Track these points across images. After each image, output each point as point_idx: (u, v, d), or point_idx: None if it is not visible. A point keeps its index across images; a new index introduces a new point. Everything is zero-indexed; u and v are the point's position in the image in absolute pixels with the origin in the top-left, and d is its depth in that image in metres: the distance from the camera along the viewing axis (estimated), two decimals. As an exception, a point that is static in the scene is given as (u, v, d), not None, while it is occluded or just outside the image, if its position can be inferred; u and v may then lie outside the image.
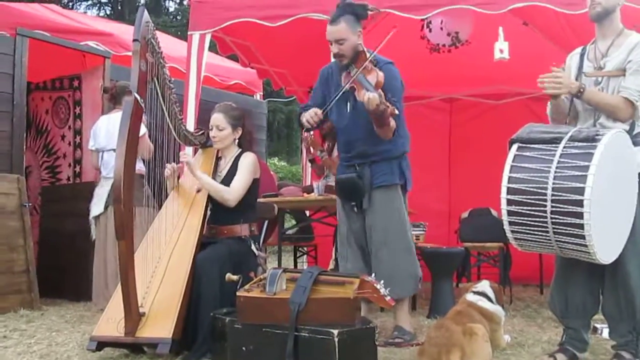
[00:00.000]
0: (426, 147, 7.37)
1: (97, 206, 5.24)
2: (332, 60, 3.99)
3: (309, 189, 5.54)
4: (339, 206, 4.12)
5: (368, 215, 3.90)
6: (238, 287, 3.35)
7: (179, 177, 4.09)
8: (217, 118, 3.98)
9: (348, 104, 3.84)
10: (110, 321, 3.41)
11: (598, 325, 3.91)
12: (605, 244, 2.93)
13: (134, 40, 3.26)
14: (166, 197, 4.06)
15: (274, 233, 5.62)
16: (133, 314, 3.29)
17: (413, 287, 3.96)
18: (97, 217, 5.24)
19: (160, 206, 4.05)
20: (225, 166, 4.04)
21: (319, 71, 4.09)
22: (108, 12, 23.03)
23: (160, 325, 3.34)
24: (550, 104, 3.42)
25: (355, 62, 3.75)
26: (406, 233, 3.96)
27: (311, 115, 3.77)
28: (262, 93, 9.10)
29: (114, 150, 4.71)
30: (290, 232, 6.54)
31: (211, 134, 4.00)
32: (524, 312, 5.27)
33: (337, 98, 3.78)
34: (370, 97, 3.47)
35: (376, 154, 3.88)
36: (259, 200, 4.28)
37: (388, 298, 2.96)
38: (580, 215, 2.81)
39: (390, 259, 3.83)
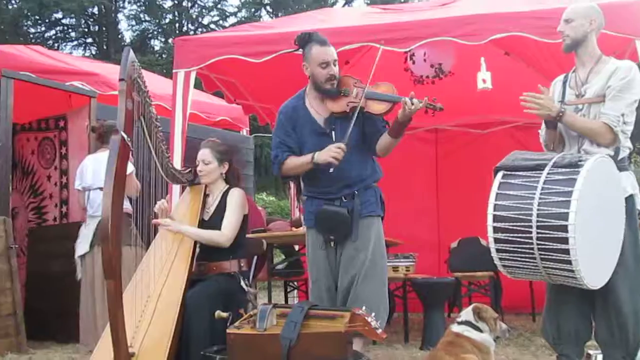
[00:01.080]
0: (413, 178, 7.44)
1: (82, 245, 5.21)
2: (288, 100, 3.88)
3: (298, 223, 5.53)
4: (315, 244, 3.79)
5: (349, 245, 3.69)
6: (228, 324, 3.32)
7: (166, 214, 4.08)
8: (204, 153, 4.04)
9: (334, 132, 3.70)
10: (100, 362, 3.37)
11: (591, 352, 3.89)
12: (593, 269, 2.94)
13: (120, 79, 3.27)
14: (154, 235, 4.04)
15: (264, 268, 5.60)
16: (122, 354, 3.24)
17: (385, 321, 3.74)
18: (82, 257, 5.21)
19: (148, 245, 4.03)
20: (213, 202, 4.05)
21: (279, 113, 3.85)
22: (93, 52, 23.22)
23: (151, 365, 3.30)
24: (543, 131, 3.46)
25: (340, 85, 3.70)
26: (385, 266, 3.84)
27: (336, 152, 3.52)
28: (248, 128, 9.14)
29: (100, 188, 4.72)
30: (279, 267, 6.52)
31: (198, 168, 4.05)
32: (517, 340, 5.26)
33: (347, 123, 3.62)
34: (408, 99, 3.46)
35: (362, 180, 3.74)
36: (247, 235, 4.27)
37: (379, 331, 2.95)
38: (565, 241, 2.83)
39: (371, 291, 3.64)
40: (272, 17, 23.62)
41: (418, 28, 4.90)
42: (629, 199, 3.23)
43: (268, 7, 25.22)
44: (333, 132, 3.71)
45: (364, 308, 3.03)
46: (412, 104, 3.48)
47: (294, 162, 3.75)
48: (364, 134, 3.75)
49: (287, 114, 3.84)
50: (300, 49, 3.77)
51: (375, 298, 3.65)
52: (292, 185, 7.79)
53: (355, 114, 3.60)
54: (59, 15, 22.69)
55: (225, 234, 3.87)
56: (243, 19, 23.53)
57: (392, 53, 4.92)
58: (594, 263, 2.95)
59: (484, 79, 4.76)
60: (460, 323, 3.60)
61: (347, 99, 3.67)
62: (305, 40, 3.74)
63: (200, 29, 23.74)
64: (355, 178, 3.72)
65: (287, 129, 3.81)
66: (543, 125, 3.47)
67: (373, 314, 2.99)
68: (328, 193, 3.74)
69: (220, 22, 24.51)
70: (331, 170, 3.55)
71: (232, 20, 24.25)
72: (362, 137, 3.75)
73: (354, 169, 3.72)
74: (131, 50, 3.34)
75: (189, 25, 24.47)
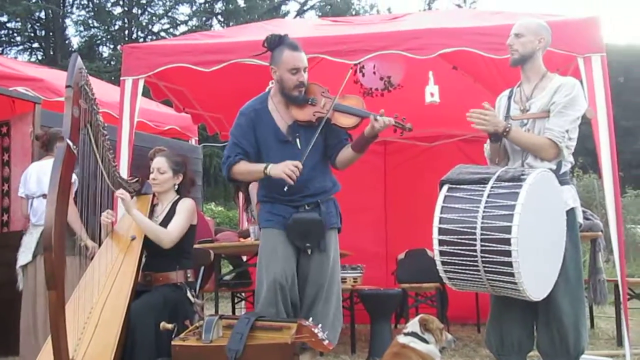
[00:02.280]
0: (362, 189, 7.46)
1: (24, 255, 5.07)
2: (251, 102, 3.75)
3: (246, 234, 5.51)
4: (281, 250, 3.58)
5: (316, 255, 3.61)
6: (173, 336, 3.29)
7: (112, 224, 4.03)
8: (160, 161, 4.02)
9: (298, 140, 3.61)
10: (40, 375, 3.29)
11: (534, 362, 3.97)
12: (535, 281, 3.00)
13: (67, 86, 3.22)
14: (99, 246, 3.98)
15: (211, 279, 5.56)
16: (64, 367, 3.18)
17: (339, 332, 3.73)
18: (24, 267, 5.08)
19: (92, 255, 3.96)
20: (162, 212, 4.01)
21: (241, 115, 3.70)
22: (40, 57, 22.72)
23: (93, 377, 3.24)
24: (488, 146, 3.52)
25: (307, 92, 3.61)
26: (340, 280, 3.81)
27: (292, 170, 3.39)
28: (197, 138, 9.08)
29: (44, 196, 4.62)
30: (227, 277, 6.46)
31: (151, 176, 4.02)
32: (462, 351, 5.32)
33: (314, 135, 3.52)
34: (377, 116, 3.44)
35: (324, 192, 3.70)
36: (194, 246, 4.24)
37: (326, 342, 2.95)
38: (508, 254, 2.88)
39: (334, 302, 3.64)
40: (223, 27, 23.50)
41: (368, 41, 4.95)
42: (570, 212, 3.31)
43: (220, 17, 25.08)
44: (297, 140, 3.62)
45: (310, 320, 3.04)
46: (381, 121, 3.46)
47: (245, 168, 3.63)
48: (326, 145, 3.69)
49: (248, 116, 3.68)
50: (269, 52, 3.64)
51: (337, 310, 3.65)
52: (241, 195, 7.75)
53: (322, 125, 3.54)
54: (4, 18, 22.10)
55: (170, 233, 3.83)
56: (194, 27, 23.33)
57: (341, 65, 4.96)
58: (536, 275, 3.01)
59: (431, 92, 4.83)
60: (406, 334, 3.64)
61: (314, 108, 3.59)
62: (275, 42, 3.60)
63: (150, 37, 23.43)
64: (318, 189, 3.68)
65: (246, 132, 3.65)
66: (488, 140, 3.54)
67: (320, 326, 2.99)
68: (290, 201, 3.63)
69: (171, 30, 24.26)
70: (285, 188, 3.44)
71: (183, 28, 24.02)
72: (324, 148, 3.70)
73: (317, 180, 3.67)
74: (79, 57, 3.30)
75: (139, 33, 24.12)
